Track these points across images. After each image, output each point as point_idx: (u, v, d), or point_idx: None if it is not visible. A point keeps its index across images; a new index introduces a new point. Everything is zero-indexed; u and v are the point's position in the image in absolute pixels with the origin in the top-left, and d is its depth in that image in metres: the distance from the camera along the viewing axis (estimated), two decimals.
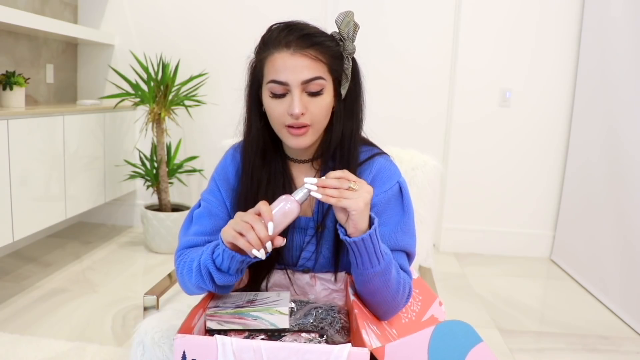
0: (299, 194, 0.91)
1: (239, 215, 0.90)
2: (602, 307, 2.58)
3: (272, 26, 1.02)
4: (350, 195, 0.89)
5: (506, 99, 3.22)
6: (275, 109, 0.99)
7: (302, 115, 0.97)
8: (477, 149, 3.28)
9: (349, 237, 0.92)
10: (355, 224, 0.90)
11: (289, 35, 0.97)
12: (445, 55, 3.30)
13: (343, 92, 1.03)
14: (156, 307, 1.19)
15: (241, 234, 0.87)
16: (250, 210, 0.90)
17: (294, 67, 0.96)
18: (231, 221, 0.90)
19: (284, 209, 0.90)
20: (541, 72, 3.18)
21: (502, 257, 3.29)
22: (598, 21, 2.90)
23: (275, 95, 0.99)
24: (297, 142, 1.01)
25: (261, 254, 0.87)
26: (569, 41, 3.14)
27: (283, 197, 0.92)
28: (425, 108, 3.35)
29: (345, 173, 0.91)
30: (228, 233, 0.89)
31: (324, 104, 1.00)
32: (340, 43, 1.01)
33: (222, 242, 0.91)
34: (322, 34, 1.01)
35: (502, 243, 3.35)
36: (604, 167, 2.74)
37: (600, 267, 2.70)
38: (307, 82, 0.97)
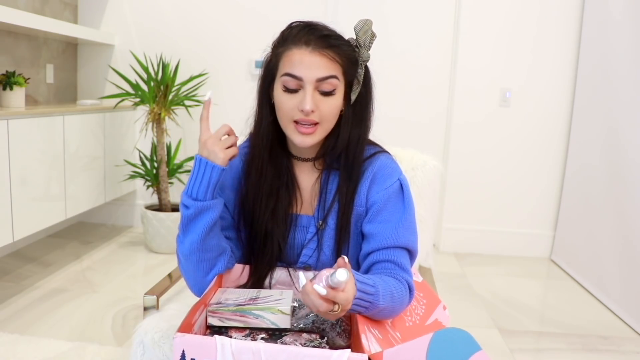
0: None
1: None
2: (602, 307, 2.58)
3: (292, 23, 1.04)
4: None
5: (506, 99, 3.22)
6: (286, 103, 1.00)
7: (312, 112, 0.99)
8: (477, 148, 3.28)
9: None
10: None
11: (309, 34, 0.99)
12: (445, 55, 3.30)
13: (353, 97, 1.05)
14: (156, 307, 1.19)
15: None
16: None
17: (310, 63, 0.98)
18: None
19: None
20: (541, 72, 3.18)
21: (502, 257, 3.29)
22: (598, 21, 2.90)
23: (288, 90, 1.00)
24: (304, 140, 1.02)
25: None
26: (569, 41, 3.14)
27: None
28: (426, 108, 3.35)
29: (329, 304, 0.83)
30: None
31: (334, 105, 1.02)
32: (357, 50, 1.03)
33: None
34: (340, 37, 1.03)
35: (502, 243, 3.35)
36: (604, 167, 2.74)
37: (600, 267, 2.70)
38: (321, 80, 0.98)
